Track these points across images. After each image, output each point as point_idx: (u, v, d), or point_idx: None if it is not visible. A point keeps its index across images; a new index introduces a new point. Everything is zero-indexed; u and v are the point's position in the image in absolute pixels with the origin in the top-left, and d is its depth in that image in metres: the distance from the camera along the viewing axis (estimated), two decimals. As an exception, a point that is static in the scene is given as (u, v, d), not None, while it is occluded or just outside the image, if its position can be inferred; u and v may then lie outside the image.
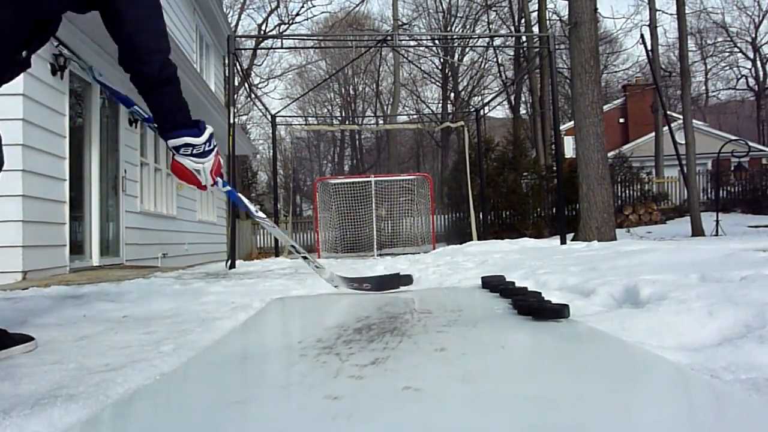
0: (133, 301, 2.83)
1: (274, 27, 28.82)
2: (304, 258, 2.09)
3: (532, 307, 1.43)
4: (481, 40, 28.17)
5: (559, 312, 1.40)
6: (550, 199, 16.12)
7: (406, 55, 20.45)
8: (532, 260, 4.32)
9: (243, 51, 19.61)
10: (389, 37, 10.45)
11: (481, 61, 29.61)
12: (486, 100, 24.36)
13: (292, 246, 2.10)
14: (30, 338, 1.61)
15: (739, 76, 35.02)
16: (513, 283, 2.09)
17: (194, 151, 1.69)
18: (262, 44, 24.77)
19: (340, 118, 35.65)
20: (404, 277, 2.36)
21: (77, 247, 6.21)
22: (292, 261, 7.96)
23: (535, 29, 22.37)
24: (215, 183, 1.84)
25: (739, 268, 2.34)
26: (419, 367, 0.99)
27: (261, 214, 2.15)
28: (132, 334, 1.84)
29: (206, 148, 1.71)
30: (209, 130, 1.73)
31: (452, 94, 30.33)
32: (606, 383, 0.88)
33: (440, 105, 30.90)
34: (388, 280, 2.34)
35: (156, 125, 1.73)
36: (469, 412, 0.72)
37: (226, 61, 11.44)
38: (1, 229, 4.88)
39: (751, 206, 17.41)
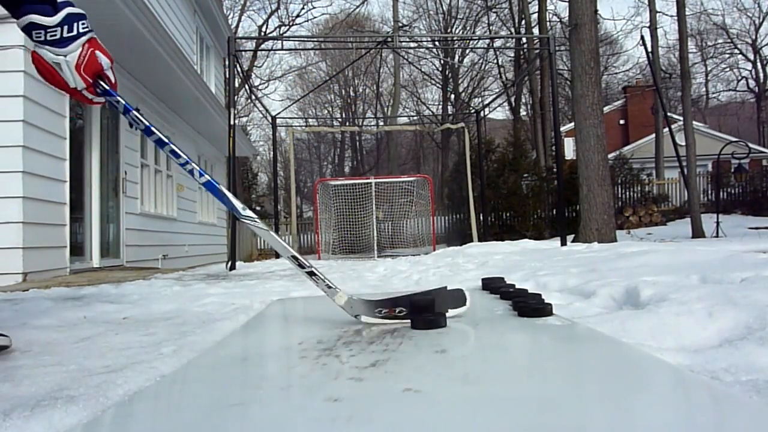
0: (134, 302, 2.83)
1: (275, 29, 28.88)
2: (310, 274, 1.43)
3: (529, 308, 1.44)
4: (481, 41, 28.26)
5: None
6: (551, 200, 16.12)
7: (406, 57, 20.47)
8: (532, 262, 4.32)
9: (243, 52, 19.62)
10: (389, 39, 10.46)
11: (482, 63, 29.68)
12: (486, 102, 24.41)
13: (293, 257, 1.43)
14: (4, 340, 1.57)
15: (740, 78, 35.08)
16: (513, 285, 2.09)
17: (48, 37, 1.28)
18: (263, 46, 24.84)
19: (340, 120, 35.69)
20: (453, 293, 1.48)
21: (77, 249, 6.22)
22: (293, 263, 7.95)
23: (536, 31, 22.40)
24: (95, 89, 1.36)
25: (739, 269, 2.35)
26: (419, 369, 0.99)
27: (249, 213, 1.46)
28: (132, 336, 1.84)
29: (65, 34, 1.29)
30: (70, 9, 1.31)
31: (452, 96, 30.35)
32: (606, 385, 0.88)
33: (440, 106, 30.94)
34: (432, 299, 1.39)
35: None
36: (470, 414, 0.72)
37: (227, 63, 11.47)
38: (2, 230, 4.89)
39: (752, 208, 17.42)
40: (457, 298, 1.46)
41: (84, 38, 1.32)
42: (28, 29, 1.29)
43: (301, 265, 1.44)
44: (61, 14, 1.29)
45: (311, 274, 1.44)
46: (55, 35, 1.28)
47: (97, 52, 1.34)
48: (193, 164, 1.45)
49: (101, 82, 1.38)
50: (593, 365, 1.03)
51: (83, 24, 1.33)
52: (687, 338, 1.41)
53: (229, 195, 1.46)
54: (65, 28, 1.29)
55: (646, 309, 1.71)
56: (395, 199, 12.94)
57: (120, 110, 1.42)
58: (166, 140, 1.46)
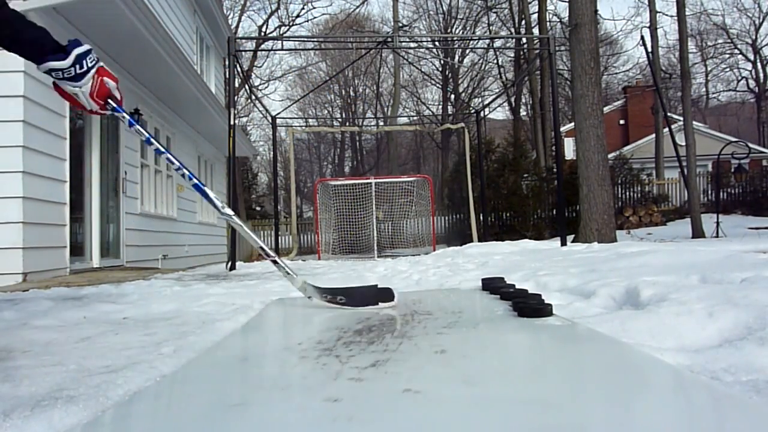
0: (134, 302, 2.83)
1: (275, 29, 28.87)
2: (274, 262, 1.84)
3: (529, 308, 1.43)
4: (481, 41, 28.24)
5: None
6: (551, 200, 16.12)
7: (406, 57, 20.47)
8: (532, 262, 4.32)
9: (243, 53, 19.63)
10: (389, 39, 10.46)
11: (482, 63, 29.67)
12: (486, 102, 24.40)
13: (261, 248, 1.86)
14: None
15: (740, 78, 35.07)
16: (513, 285, 2.09)
17: (65, 75, 1.63)
18: (263, 46, 24.83)
19: (340, 120, 35.70)
20: (383, 291, 1.85)
21: (78, 249, 6.22)
22: (292, 263, 7.96)
23: (536, 31, 22.39)
24: (106, 108, 1.75)
25: (739, 269, 2.35)
26: (419, 369, 0.99)
27: (228, 210, 1.86)
28: (132, 336, 1.85)
29: (77, 71, 1.63)
30: (78, 51, 1.63)
31: (452, 96, 30.36)
32: (606, 385, 0.88)
33: (440, 106, 30.94)
34: (366, 293, 1.86)
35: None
36: (470, 414, 0.72)
37: (227, 63, 11.46)
38: (2, 230, 4.89)
39: (752, 208, 17.41)
40: (387, 294, 1.83)
41: (93, 71, 1.67)
42: (49, 72, 1.64)
43: (266, 254, 1.86)
44: (71, 57, 1.61)
45: (274, 262, 1.87)
46: (70, 73, 1.62)
47: (104, 78, 1.69)
48: (185, 169, 1.88)
49: (110, 102, 1.75)
50: (593, 365, 1.03)
51: (91, 58, 1.66)
52: (687, 338, 1.41)
53: (212, 195, 1.90)
54: (77, 66, 1.62)
55: (646, 309, 1.71)
56: (395, 200, 12.95)
57: (126, 123, 1.82)
58: (164, 149, 1.90)
